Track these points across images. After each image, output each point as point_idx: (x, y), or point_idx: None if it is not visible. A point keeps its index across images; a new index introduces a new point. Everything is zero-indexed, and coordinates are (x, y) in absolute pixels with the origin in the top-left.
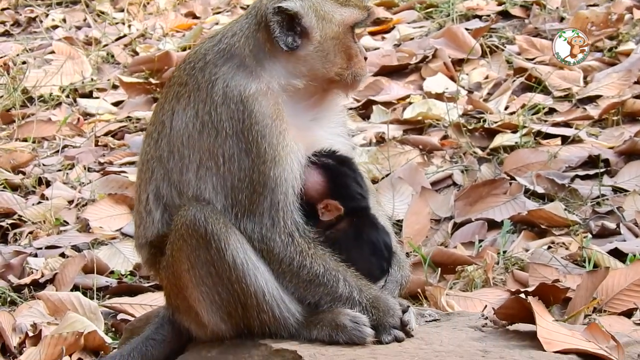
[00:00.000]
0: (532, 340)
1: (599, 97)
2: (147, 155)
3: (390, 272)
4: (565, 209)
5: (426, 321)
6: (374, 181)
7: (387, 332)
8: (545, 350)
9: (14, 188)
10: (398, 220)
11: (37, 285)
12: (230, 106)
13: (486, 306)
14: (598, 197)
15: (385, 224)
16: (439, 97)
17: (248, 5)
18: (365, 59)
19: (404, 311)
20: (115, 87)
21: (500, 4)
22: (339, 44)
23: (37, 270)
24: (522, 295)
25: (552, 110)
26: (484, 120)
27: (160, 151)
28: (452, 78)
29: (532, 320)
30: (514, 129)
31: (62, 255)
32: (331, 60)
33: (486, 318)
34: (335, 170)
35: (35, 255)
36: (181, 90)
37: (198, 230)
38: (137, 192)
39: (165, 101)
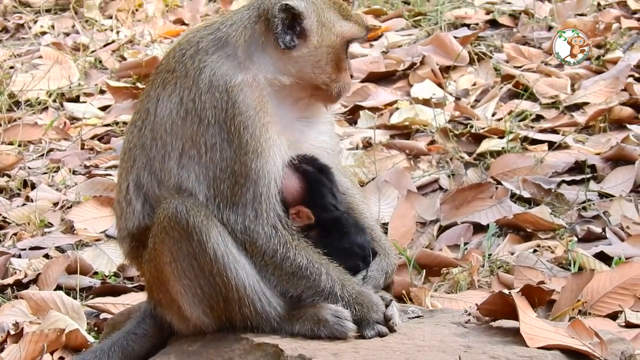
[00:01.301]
0: (515, 336)
1: (586, 104)
2: (130, 144)
3: (375, 260)
4: (551, 213)
5: (409, 317)
6: (361, 184)
7: (370, 327)
8: (528, 346)
9: None
10: (384, 223)
11: (21, 286)
12: (214, 94)
13: (471, 306)
14: (584, 202)
15: (365, 214)
16: (426, 103)
17: None
18: (352, 76)
19: (387, 305)
20: (102, 92)
21: (488, 13)
22: (332, 54)
23: (20, 270)
24: (505, 291)
25: (539, 117)
26: (471, 126)
27: (143, 138)
28: (439, 85)
29: (515, 317)
30: (501, 134)
31: (46, 256)
32: (322, 67)
33: (469, 314)
34: (314, 178)
35: (19, 256)
36: (168, 76)
37: (180, 222)
38: (118, 182)
39: (151, 88)
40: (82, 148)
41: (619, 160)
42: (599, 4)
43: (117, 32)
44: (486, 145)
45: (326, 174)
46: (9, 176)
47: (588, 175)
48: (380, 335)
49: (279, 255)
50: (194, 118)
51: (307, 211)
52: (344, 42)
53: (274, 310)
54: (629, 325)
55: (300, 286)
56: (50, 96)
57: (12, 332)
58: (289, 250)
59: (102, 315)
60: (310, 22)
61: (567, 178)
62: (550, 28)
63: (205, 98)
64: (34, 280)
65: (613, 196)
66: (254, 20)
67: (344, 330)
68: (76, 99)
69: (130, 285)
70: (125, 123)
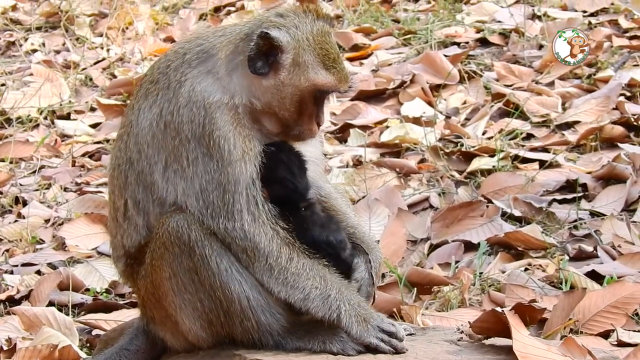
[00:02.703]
0: (507, 354)
1: (577, 122)
2: (118, 160)
3: (360, 261)
4: (542, 232)
5: None
6: (352, 202)
7: (374, 332)
8: None
9: None
10: (375, 241)
11: (13, 302)
12: (192, 109)
13: (463, 324)
14: (575, 220)
15: (349, 214)
16: (416, 121)
17: None
18: (319, 125)
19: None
20: (93, 109)
21: (478, 31)
22: (296, 96)
23: (12, 286)
24: (498, 309)
25: (530, 136)
26: (462, 145)
27: (129, 153)
28: (429, 103)
29: (508, 335)
30: (492, 153)
31: (38, 272)
32: (285, 104)
33: (462, 332)
34: (271, 155)
35: (11, 273)
36: (151, 87)
37: (181, 237)
38: (111, 200)
39: (134, 100)
40: (73, 165)
41: (610, 179)
42: (590, 23)
43: (108, 50)
44: (477, 163)
45: (287, 153)
46: (1, 193)
47: (579, 194)
48: (382, 342)
49: (284, 256)
50: (172, 132)
51: (263, 190)
52: (313, 89)
53: (278, 322)
54: (621, 344)
55: (308, 287)
56: (41, 113)
57: (4, 348)
58: (293, 250)
59: (94, 332)
60: (285, 58)
61: (559, 197)
62: (541, 47)
63: (183, 112)
64: (26, 296)
65: (604, 215)
66: (241, 37)
67: (359, 347)
68: (67, 117)
69: (121, 302)
70: None
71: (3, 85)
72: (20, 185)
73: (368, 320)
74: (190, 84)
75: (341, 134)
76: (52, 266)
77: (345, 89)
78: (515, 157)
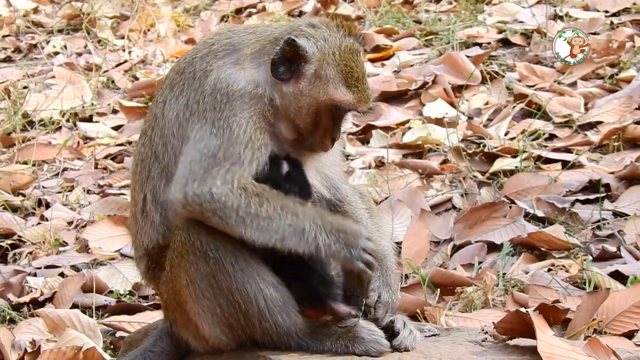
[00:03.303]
0: (532, 354)
1: (599, 123)
2: (142, 155)
3: (375, 275)
4: (565, 232)
5: (425, 336)
6: (375, 203)
7: (357, 256)
8: None
9: (14, 209)
10: (398, 242)
11: (37, 304)
12: (216, 97)
13: (486, 325)
14: (599, 221)
15: (362, 221)
16: (438, 122)
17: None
18: (333, 141)
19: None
20: (115, 111)
21: (500, 32)
22: (313, 107)
23: (36, 289)
24: (522, 310)
25: (552, 136)
26: (484, 145)
27: (155, 147)
28: (451, 104)
29: (532, 335)
30: (514, 153)
31: (62, 274)
32: (301, 114)
33: (486, 333)
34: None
35: (35, 275)
36: (176, 77)
37: (193, 244)
38: (132, 197)
39: (158, 93)
40: (96, 167)
41: (633, 179)
42: (612, 23)
43: (129, 52)
44: (499, 164)
45: (278, 167)
46: (24, 195)
47: (602, 194)
48: (368, 265)
49: (253, 205)
50: (196, 119)
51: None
52: (330, 104)
53: (296, 325)
54: None
55: (281, 227)
56: (63, 116)
57: (29, 350)
58: (262, 196)
59: (118, 334)
60: (308, 68)
61: (581, 197)
62: None
63: (208, 100)
64: (50, 299)
65: (627, 215)
66: (269, 40)
67: (381, 349)
68: (89, 119)
69: (145, 304)
70: None
71: (25, 87)
72: (43, 187)
73: (350, 244)
74: (216, 73)
75: (363, 135)
76: (75, 268)
77: (364, 109)
78: (538, 158)
